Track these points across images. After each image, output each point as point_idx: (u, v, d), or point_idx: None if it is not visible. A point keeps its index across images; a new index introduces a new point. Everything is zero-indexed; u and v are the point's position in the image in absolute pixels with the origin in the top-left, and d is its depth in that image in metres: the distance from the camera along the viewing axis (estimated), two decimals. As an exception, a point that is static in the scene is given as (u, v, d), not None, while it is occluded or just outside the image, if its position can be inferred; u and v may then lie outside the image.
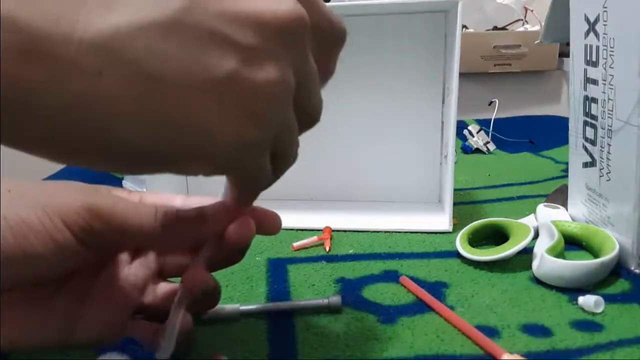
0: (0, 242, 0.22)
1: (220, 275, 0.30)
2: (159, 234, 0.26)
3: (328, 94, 0.58)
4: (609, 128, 0.41)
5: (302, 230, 0.52)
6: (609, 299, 0.36)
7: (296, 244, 0.47)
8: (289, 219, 0.54)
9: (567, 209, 0.50)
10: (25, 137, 0.18)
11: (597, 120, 0.43)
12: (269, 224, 0.29)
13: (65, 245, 0.23)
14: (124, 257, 0.30)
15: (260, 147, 0.22)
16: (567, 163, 0.50)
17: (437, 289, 0.39)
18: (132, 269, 0.30)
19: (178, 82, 0.18)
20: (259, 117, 0.21)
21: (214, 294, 0.29)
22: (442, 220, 0.52)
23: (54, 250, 0.23)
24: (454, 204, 0.51)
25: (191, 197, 0.31)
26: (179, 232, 0.27)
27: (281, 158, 0.25)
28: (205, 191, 0.62)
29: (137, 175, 0.65)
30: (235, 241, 0.27)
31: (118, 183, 0.70)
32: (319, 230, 0.51)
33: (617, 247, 0.40)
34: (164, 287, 0.30)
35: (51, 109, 0.17)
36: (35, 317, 0.24)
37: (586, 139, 0.46)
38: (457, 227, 0.50)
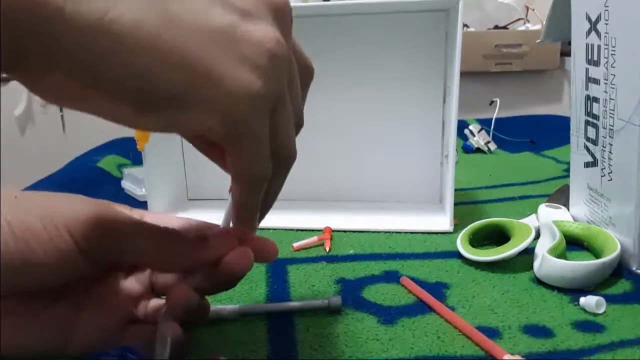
0: (1, 246, 0.22)
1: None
2: (159, 254, 0.26)
3: (328, 93, 0.58)
4: (611, 128, 0.41)
5: (302, 230, 0.52)
6: (610, 299, 0.36)
7: (296, 245, 0.47)
8: (289, 219, 0.54)
9: (568, 209, 0.50)
10: (47, 64, 0.18)
11: (598, 120, 0.43)
12: (266, 254, 0.29)
13: (67, 254, 0.23)
14: (120, 272, 0.30)
15: (264, 103, 0.22)
16: (568, 163, 0.50)
17: (438, 289, 0.39)
18: (127, 283, 0.30)
19: (193, 23, 0.20)
20: (261, 69, 0.22)
21: (199, 310, 0.29)
22: (442, 221, 0.52)
23: (55, 258, 0.23)
24: (455, 204, 0.51)
25: (192, 220, 0.32)
26: (178, 255, 0.27)
27: (282, 150, 0.25)
28: (205, 194, 0.62)
29: (136, 175, 0.65)
30: (232, 270, 0.27)
31: (117, 183, 0.70)
32: (319, 230, 0.50)
33: (619, 247, 0.40)
34: (155, 303, 0.31)
35: (72, 33, 0.17)
36: (32, 325, 0.24)
37: (588, 139, 0.45)
38: (458, 227, 0.50)
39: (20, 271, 0.23)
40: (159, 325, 0.27)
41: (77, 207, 0.25)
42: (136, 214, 0.30)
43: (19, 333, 0.24)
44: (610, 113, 0.41)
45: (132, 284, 0.30)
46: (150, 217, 0.31)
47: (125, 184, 0.68)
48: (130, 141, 0.55)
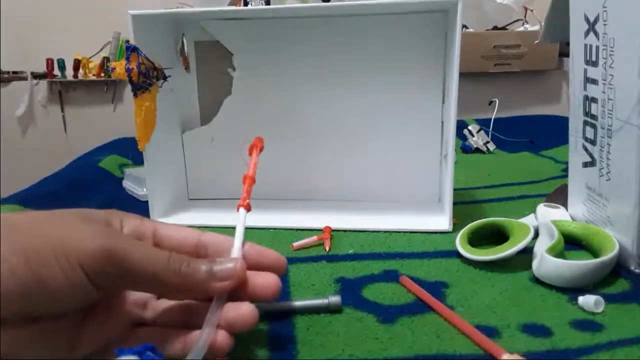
0: (15, 277, 0.22)
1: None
2: (169, 290, 0.27)
3: (328, 93, 0.58)
4: (609, 128, 0.41)
5: (302, 230, 0.52)
6: (609, 298, 0.36)
7: (296, 244, 0.47)
8: (289, 219, 0.54)
9: (567, 209, 0.50)
10: None
11: (597, 120, 0.43)
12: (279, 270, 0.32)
13: (78, 285, 0.24)
14: None
15: None
16: (567, 163, 0.50)
17: (437, 288, 0.39)
18: None
19: None
20: None
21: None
22: (442, 220, 0.52)
23: (66, 289, 0.24)
24: (454, 203, 0.51)
25: (205, 234, 0.32)
26: (187, 290, 0.28)
27: None
28: (205, 193, 0.63)
29: (137, 175, 0.65)
30: (259, 299, 0.30)
31: (118, 183, 0.70)
32: (319, 230, 0.51)
33: (617, 246, 0.40)
34: (164, 303, 0.31)
35: None
36: (35, 339, 0.24)
37: (586, 139, 0.46)
38: (457, 226, 0.50)
39: (32, 300, 0.23)
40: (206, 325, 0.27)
41: (89, 235, 0.25)
42: (148, 226, 0.31)
43: (21, 347, 0.24)
44: (609, 113, 0.41)
45: None
46: (164, 230, 0.31)
47: (127, 184, 0.68)
48: (132, 141, 0.55)
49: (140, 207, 0.60)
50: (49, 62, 1.72)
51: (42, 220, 0.26)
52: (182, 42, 0.59)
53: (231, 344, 0.28)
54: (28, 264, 0.23)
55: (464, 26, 1.45)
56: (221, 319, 0.28)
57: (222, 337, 0.28)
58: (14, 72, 1.74)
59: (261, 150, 0.39)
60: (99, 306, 0.28)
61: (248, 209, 0.35)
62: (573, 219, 0.48)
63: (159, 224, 0.32)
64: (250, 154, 0.38)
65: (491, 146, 0.91)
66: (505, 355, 0.29)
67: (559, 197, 0.54)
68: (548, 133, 0.97)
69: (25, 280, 0.23)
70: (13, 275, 0.22)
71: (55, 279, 0.23)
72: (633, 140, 0.38)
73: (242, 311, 0.28)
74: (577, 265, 0.38)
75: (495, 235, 0.46)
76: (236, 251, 0.31)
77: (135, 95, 0.51)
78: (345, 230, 0.51)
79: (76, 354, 0.26)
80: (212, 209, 0.59)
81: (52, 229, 0.25)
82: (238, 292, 0.29)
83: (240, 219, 0.34)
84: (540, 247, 0.40)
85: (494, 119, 0.98)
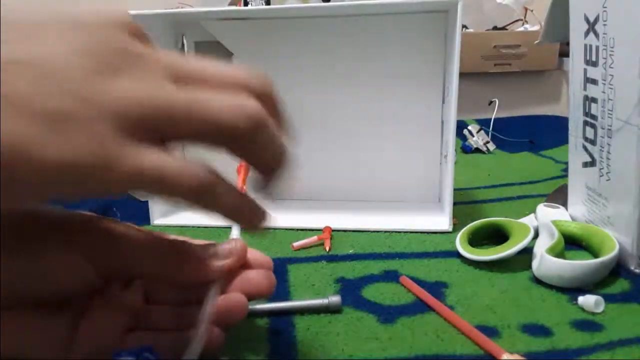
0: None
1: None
2: (169, 268, 0.27)
3: (328, 94, 0.58)
4: (609, 128, 0.41)
5: (302, 230, 0.52)
6: (609, 298, 0.36)
7: (296, 244, 0.47)
8: (289, 219, 0.54)
9: (567, 209, 0.50)
10: None
11: (597, 120, 0.43)
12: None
13: (74, 264, 0.24)
14: (123, 279, 0.30)
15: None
16: (567, 163, 0.50)
17: (437, 288, 0.39)
18: (129, 289, 0.30)
19: None
20: None
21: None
22: (442, 220, 0.52)
23: (62, 268, 0.24)
24: (454, 203, 0.51)
25: (195, 240, 0.32)
26: (189, 270, 0.27)
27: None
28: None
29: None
30: (255, 294, 0.29)
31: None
32: (319, 230, 0.51)
33: (617, 246, 0.40)
34: (155, 309, 0.31)
35: None
36: (31, 335, 0.24)
37: (586, 139, 0.46)
38: (457, 227, 0.50)
39: (29, 281, 0.23)
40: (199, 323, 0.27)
41: (87, 219, 0.25)
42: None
43: (18, 344, 0.24)
44: (609, 113, 0.41)
45: (134, 289, 0.30)
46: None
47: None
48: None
49: (140, 207, 0.60)
50: (49, 62, 1.72)
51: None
52: (182, 42, 0.59)
53: (222, 339, 0.28)
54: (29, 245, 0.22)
55: (464, 26, 1.45)
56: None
57: (214, 333, 0.27)
58: (13, 72, 1.75)
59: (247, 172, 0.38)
60: (94, 306, 0.28)
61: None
62: (573, 219, 0.48)
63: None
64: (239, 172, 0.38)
65: (491, 146, 0.91)
66: (505, 355, 0.29)
67: (559, 197, 0.54)
68: (548, 133, 0.97)
69: (23, 262, 0.22)
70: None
71: (53, 258, 0.23)
72: (633, 140, 0.38)
73: (231, 301, 0.28)
74: (577, 265, 0.38)
75: (495, 235, 0.46)
76: (234, 235, 0.31)
77: (135, 95, 0.51)
78: (345, 230, 0.51)
79: (72, 354, 0.26)
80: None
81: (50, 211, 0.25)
82: (231, 286, 0.29)
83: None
84: (540, 247, 0.40)
85: (494, 119, 0.98)
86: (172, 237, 0.31)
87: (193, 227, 0.54)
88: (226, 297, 0.28)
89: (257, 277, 0.29)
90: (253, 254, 0.31)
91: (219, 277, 0.28)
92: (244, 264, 0.30)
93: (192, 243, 0.28)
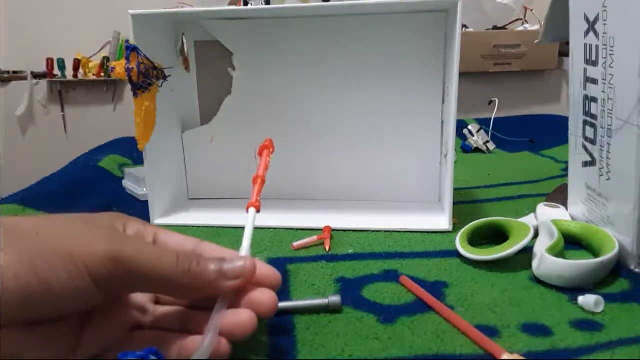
0: (19, 281, 0.23)
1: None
2: (179, 283, 0.27)
3: (328, 93, 0.58)
4: (609, 127, 0.41)
5: (302, 230, 0.52)
6: (609, 298, 0.36)
7: (296, 244, 0.47)
8: (289, 219, 0.54)
9: (567, 209, 0.50)
10: None
11: (597, 120, 0.43)
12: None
13: (84, 290, 0.24)
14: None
15: None
16: (567, 162, 0.50)
17: (437, 288, 0.39)
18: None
19: None
20: None
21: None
22: (442, 220, 0.52)
23: (72, 294, 0.24)
24: (454, 203, 0.51)
25: (203, 243, 0.32)
26: (194, 291, 0.28)
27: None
28: (205, 193, 0.63)
29: (137, 175, 0.65)
30: (257, 314, 0.28)
31: (118, 183, 0.70)
32: (319, 230, 0.51)
33: (617, 246, 0.40)
34: (162, 308, 0.31)
35: None
36: (38, 337, 0.24)
37: (586, 139, 0.46)
38: (457, 226, 0.50)
39: (35, 305, 0.23)
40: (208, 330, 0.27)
41: (95, 240, 0.25)
42: (149, 232, 0.31)
43: (22, 350, 0.24)
44: (609, 113, 0.41)
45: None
46: (165, 236, 0.31)
47: (127, 184, 0.68)
48: (132, 141, 0.55)
49: (140, 207, 0.60)
50: (49, 62, 1.72)
51: (48, 225, 0.26)
52: (182, 41, 0.59)
53: (229, 351, 0.28)
54: (33, 268, 0.23)
55: (464, 26, 1.45)
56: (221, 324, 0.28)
57: (221, 344, 0.27)
58: (14, 72, 1.74)
59: (272, 151, 0.39)
60: (99, 309, 0.28)
61: (258, 209, 0.35)
62: (573, 219, 0.48)
63: (159, 229, 0.32)
64: (261, 154, 0.38)
65: (491, 146, 0.91)
66: (505, 355, 0.29)
67: (559, 196, 0.54)
68: (548, 133, 0.97)
69: (29, 285, 0.23)
70: (17, 279, 0.22)
71: (61, 284, 0.23)
72: (633, 140, 0.38)
73: (242, 317, 0.28)
74: (577, 265, 0.38)
75: (495, 235, 0.46)
76: (244, 250, 0.31)
77: (135, 95, 0.51)
78: (345, 230, 0.51)
79: (76, 356, 0.26)
80: (212, 208, 0.59)
81: (58, 233, 0.25)
82: (236, 302, 0.29)
83: (249, 219, 0.34)
84: (540, 247, 0.40)
85: (494, 118, 0.98)
86: (190, 242, 0.31)
87: (193, 226, 0.54)
88: (236, 312, 0.28)
89: (260, 297, 0.29)
90: (262, 269, 0.30)
91: (228, 296, 0.28)
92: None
93: (204, 259, 0.28)
